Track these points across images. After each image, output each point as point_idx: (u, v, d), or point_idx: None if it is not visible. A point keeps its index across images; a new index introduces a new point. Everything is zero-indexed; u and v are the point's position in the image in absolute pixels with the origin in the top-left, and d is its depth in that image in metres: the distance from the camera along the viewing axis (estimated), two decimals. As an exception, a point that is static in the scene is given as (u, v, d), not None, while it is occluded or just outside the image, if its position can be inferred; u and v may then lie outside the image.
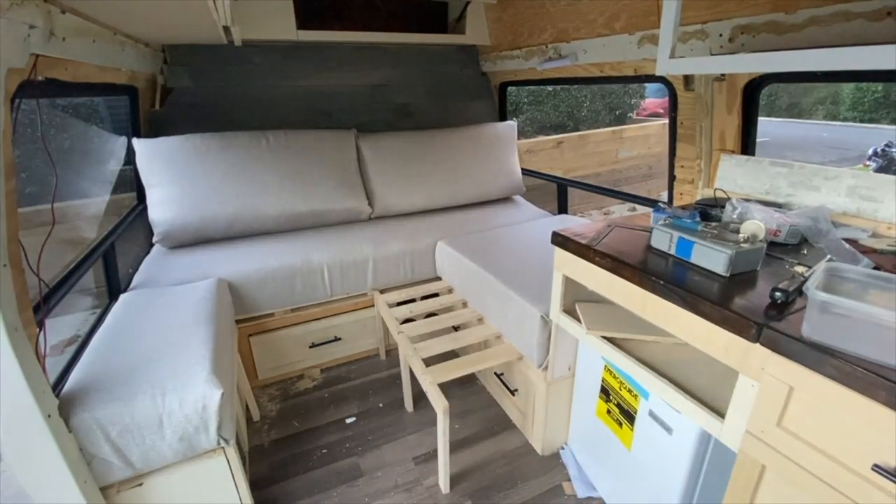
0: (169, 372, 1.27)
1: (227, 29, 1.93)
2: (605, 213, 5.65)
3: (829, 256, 1.10)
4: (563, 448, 1.85)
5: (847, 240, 1.21)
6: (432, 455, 1.84)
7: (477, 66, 3.15)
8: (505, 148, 2.99)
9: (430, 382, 1.67)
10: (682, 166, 1.93)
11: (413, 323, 2.05)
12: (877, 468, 0.74)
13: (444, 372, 1.73)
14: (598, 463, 1.65)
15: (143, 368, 1.29)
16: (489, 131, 2.98)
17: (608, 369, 1.49)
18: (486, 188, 2.90)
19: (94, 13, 1.40)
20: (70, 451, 1.09)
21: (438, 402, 1.57)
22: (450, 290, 2.32)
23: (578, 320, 1.46)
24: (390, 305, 2.21)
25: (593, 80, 2.39)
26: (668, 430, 1.26)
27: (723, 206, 1.41)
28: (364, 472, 1.76)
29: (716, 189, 1.67)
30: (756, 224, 1.16)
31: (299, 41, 2.51)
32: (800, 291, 0.95)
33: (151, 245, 2.26)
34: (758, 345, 0.90)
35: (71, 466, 1.08)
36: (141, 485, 1.26)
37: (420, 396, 2.04)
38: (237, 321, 2.02)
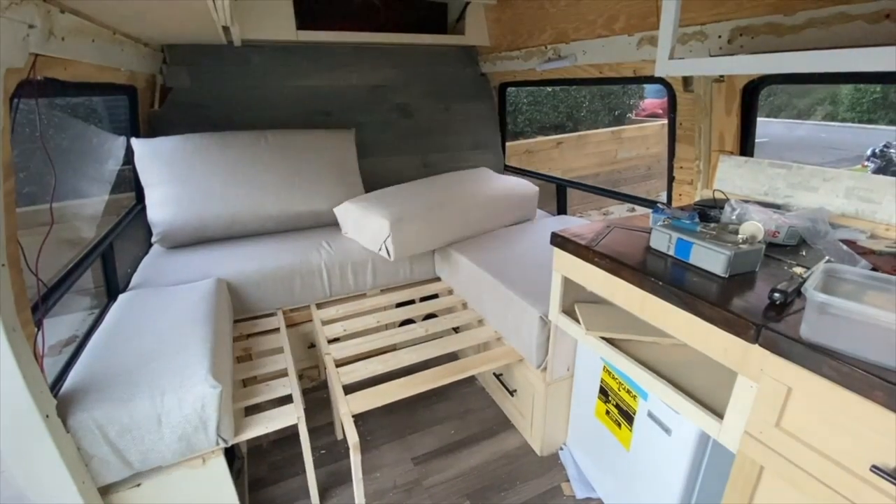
0: (168, 372, 1.27)
1: (226, 29, 1.94)
2: (604, 214, 5.66)
3: (827, 258, 1.10)
4: (561, 449, 1.85)
5: (845, 241, 1.22)
6: (432, 455, 1.84)
7: (476, 66, 3.15)
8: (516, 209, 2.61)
9: (344, 413, 1.50)
10: (682, 167, 1.94)
11: (348, 342, 1.87)
12: (875, 469, 0.74)
13: (365, 400, 1.57)
14: (596, 464, 1.65)
15: (142, 368, 1.29)
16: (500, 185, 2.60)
17: (607, 370, 1.49)
18: (500, 219, 2.54)
19: (93, 13, 1.39)
20: (68, 451, 1.09)
21: (350, 436, 1.41)
22: (450, 291, 2.32)
23: (577, 321, 1.46)
24: (327, 320, 2.06)
25: (593, 81, 2.39)
26: (667, 430, 1.26)
27: (721, 207, 1.41)
28: (364, 473, 1.76)
29: (715, 190, 1.68)
30: (755, 225, 1.16)
31: (299, 41, 2.51)
32: (798, 292, 0.95)
33: (150, 245, 2.26)
34: (756, 346, 0.90)
35: (69, 467, 1.07)
36: (139, 485, 1.26)
37: (426, 395, 2.03)
38: (236, 321, 2.02)
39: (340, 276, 2.21)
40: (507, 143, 3.48)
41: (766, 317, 0.91)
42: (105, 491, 1.21)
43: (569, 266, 1.44)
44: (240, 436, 1.38)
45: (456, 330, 2.09)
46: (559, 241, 1.45)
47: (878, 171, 6.78)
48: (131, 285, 1.91)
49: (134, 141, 2.13)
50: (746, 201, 1.40)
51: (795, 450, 0.86)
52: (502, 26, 2.74)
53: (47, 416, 1.03)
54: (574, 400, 1.75)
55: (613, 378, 1.47)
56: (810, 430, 0.84)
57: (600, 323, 1.42)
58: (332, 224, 2.52)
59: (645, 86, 9.04)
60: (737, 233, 1.15)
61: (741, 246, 1.08)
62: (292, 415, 1.47)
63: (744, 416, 0.96)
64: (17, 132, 1.12)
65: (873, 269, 1.06)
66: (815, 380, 0.81)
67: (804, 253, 1.22)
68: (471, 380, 2.25)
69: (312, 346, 2.24)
